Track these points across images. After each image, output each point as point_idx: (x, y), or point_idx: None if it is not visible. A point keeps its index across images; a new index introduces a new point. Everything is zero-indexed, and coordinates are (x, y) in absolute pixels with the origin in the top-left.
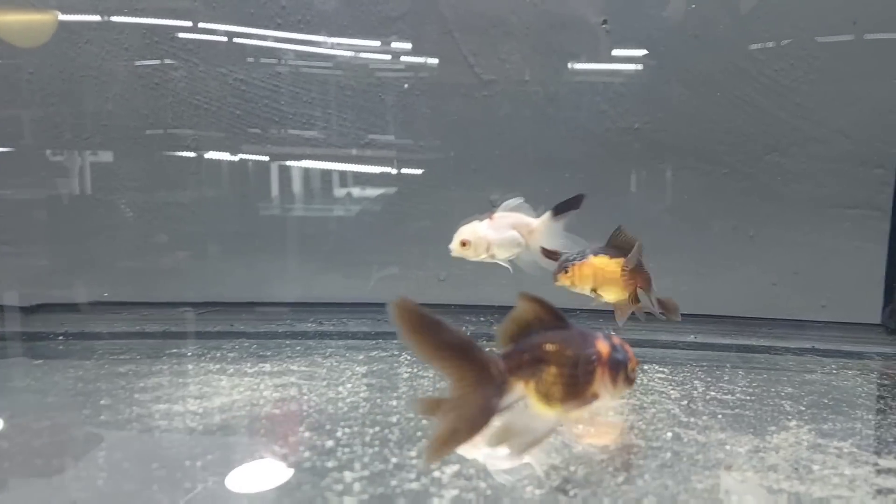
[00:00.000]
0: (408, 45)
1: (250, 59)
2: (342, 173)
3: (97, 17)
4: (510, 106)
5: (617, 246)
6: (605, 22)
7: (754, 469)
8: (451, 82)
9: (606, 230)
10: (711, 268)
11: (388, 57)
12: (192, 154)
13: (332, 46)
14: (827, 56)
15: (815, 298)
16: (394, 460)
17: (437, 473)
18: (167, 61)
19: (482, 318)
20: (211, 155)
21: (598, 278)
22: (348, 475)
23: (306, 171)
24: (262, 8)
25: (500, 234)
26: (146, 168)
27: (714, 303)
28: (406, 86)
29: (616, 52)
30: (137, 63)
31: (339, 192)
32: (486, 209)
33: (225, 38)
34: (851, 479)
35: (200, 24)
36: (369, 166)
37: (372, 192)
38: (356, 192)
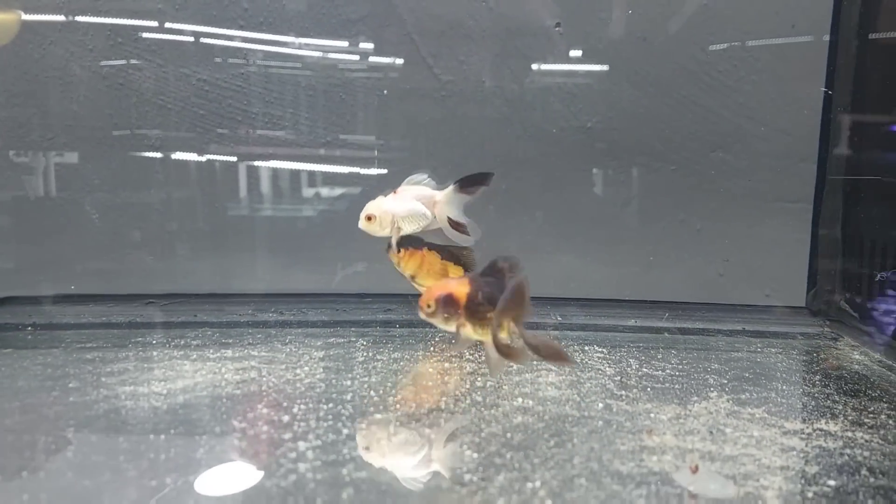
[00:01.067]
0: (369, 46)
1: (217, 59)
2: (309, 173)
3: (61, 17)
4: (469, 106)
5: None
6: (558, 25)
7: (673, 433)
8: (411, 83)
9: (559, 224)
10: (661, 259)
11: (350, 57)
12: (157, 154)
13: (299, 47)
14: (768, 58)
15: (759, 286)
16: (345, 431)
17: (384, 441)
18: (132, 62)
19: None
20: (177, 155)
21: (422, 269)
22: (302, 444)
23: (273, 170)
24: (224, 10)
25: (405, 206)
26: (112, 168)
27: (662, 291)
28: (385, 91)
29: (569, 55)
30: (102, 63)
31: (307, 191)
32: None
33: (191, 39)
34: (759, 440)
35: (166, 25)
36: (334, 166)
37: (337, 190)
38: (323, 191)
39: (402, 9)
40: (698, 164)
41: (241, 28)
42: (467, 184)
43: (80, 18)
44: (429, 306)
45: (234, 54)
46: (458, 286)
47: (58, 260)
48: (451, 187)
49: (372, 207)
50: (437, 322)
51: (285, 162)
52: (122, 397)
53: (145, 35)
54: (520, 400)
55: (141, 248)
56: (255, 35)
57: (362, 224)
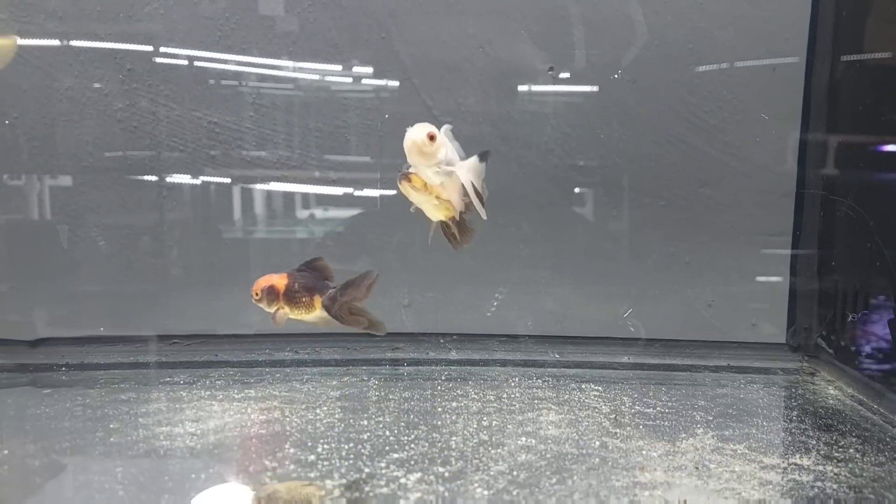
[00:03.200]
0: (371, 89)
1: (211, 82)
2: (306, 201)
3: (56, 42)
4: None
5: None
6: (551, 69)
7: (663, 468)
8: (410, 123)
9: (554, 258)
10: (652, 292)
11: (350, 98)
12: (153, 178)
13: (306, 90)
14: (750, 99)
15: (745, 318)
16: (366, 470)
17: (402, 480)
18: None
19: (442, 342)
20: (175, 180)
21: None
22: (328, 483)
23: (279, 197)
24: (226, 37)
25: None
26: (110, 195)
27: (652, 326)
28: (387, 118)
29: (562, 96)
30: (95, 85)
31: (302, 213)
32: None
33: (185, 62)
34: (740, 475)
35: (162, 49)
36: (335, 189)
37: (336, 217)
38: (318, 213)
39: (403, 54)
40: (686, 199)
41: (242, 51)
42: (484, 157)
43: (74, 42)
44: (257, 294)
45: (231, 77)
46: (279, 279)
47: (84, 299)
48: (475, 157)
49: (432, 128)
50: (264, 306)
51: (288, 185)
52: (160, 437)
53: (142, 59)
54: (523, 439)
55: (159, 287)
56: (252, 59)
57: (420, 141)
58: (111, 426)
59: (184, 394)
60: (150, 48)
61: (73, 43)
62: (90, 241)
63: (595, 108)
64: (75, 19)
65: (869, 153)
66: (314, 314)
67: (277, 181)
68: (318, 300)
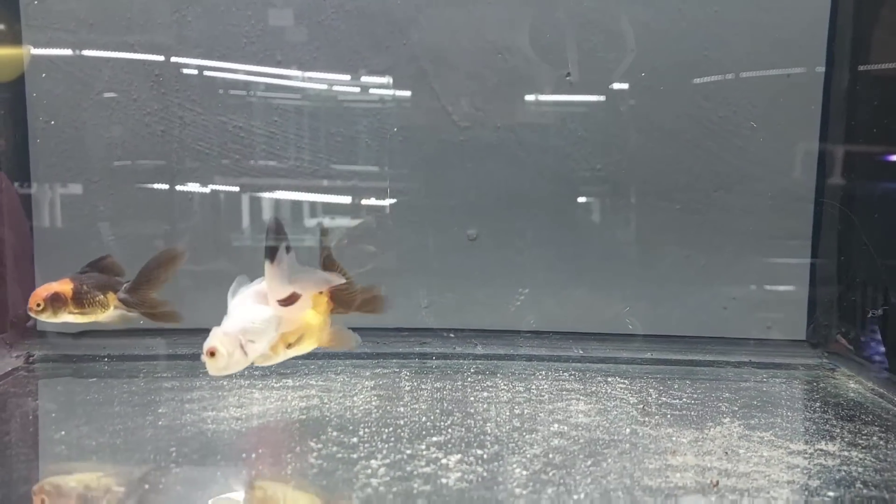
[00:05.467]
0: (390, 94)
1: (220, 91)
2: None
3: (69, 52)
4: (485, 150)
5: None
6: (568, 75)
7: (693, 453)
8: (431, 129)
9: (571, 261)
10: (668, 293)
11: (371, 105)
12: (191, 187)
13: (325, 99)
14: (764, 104)
15: (761, 319)
16: (408, 451)
17: (444, 461)
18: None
19: (454, 338)
20: (202, 185)
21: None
22: (374, 462)
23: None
24: (251, 43)
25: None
26: (140, 196)
27: (670, 325)
28: (395, 129)
29: (578, 102)
30: (106, 95)
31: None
32: (463, 243)
33: (212, 69)
34: (768, 459)
35: (189, 56)
36: (346, 197)
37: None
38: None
39: (424, 62)
40: (701, 203)
41: (259, 62)
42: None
43: (87, 52)
44: (38, 305)
45: (242, 87)
46: (61, 285)
47: None
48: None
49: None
50: (47, 316)
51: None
52: (207, 421)
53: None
54: (555, 426)
55: (191, 282)
56: (266, 70)
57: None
58: (159, 411)
59: (224, 383)
60: (178, 55)
61: (104, 51)
62: (123, 240)
63: (611, 114)
64: (106, 27)
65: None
66: (109, 313)
67: (300, 187)
68: (112, 297)
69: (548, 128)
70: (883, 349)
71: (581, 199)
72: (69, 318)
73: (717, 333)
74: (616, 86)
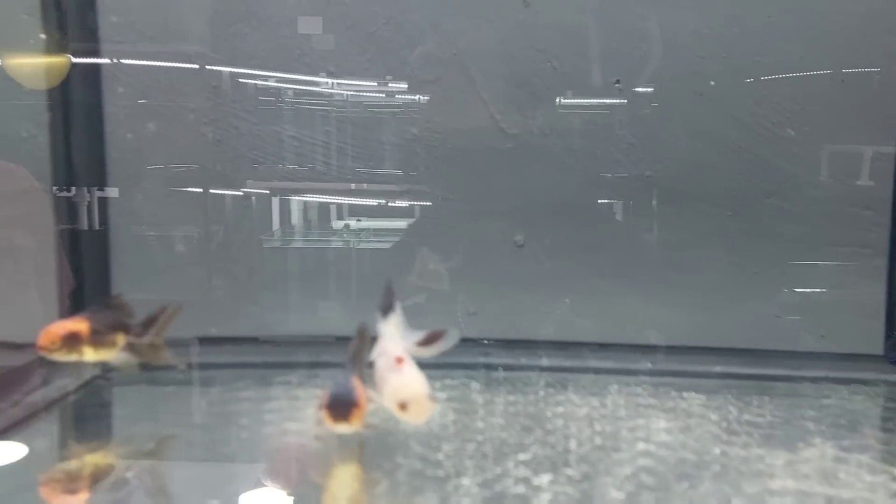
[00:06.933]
0: (439, 104)
1: (289, 98)
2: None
3: (146, 61)
4: (533, 157)
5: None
6: (617, 82)
7: (792, 477)
8: (479, 136)
9: (620, 268)
10: (720, 302)
11: (420, 114)
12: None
13: (378, 107)
14: (818, 110)
15: (814, 330)
16: (497, 470)
17: (535, 481)
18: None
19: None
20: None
21: None
22: (464, 481)
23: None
24: (304, 55)
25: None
26: (197, 204)
27: (723, 335)
28: (443, 137)
29: (628, 108)
30: (168, 105)
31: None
32: (511, 249)
33: (266, 80)
34: (872, 485)
35: (245, 67)
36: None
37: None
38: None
39: (473, 71)
40: (753, 210)
41: (310, 71)
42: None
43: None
44: (53, 344)
45: (295, 95)
46: (77, 324)
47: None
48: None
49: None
50: (61, 356)
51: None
52: (290, 433)
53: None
54: (641, 445)
55: (253, 290)
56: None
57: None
58: (242, 422)
59: (300, 392)
60: (233, 66)
61: (163, 62)
62: (183, 248)
63: (661, 120)
64: (164, 39)
65: None
66: (118, 353)
67: (351, 194)
68: (122, 338)
69: (597, 134)
70: None
71: (630, 206)
72: (80, 357)
73: (772, 345)
74: (666, 92)
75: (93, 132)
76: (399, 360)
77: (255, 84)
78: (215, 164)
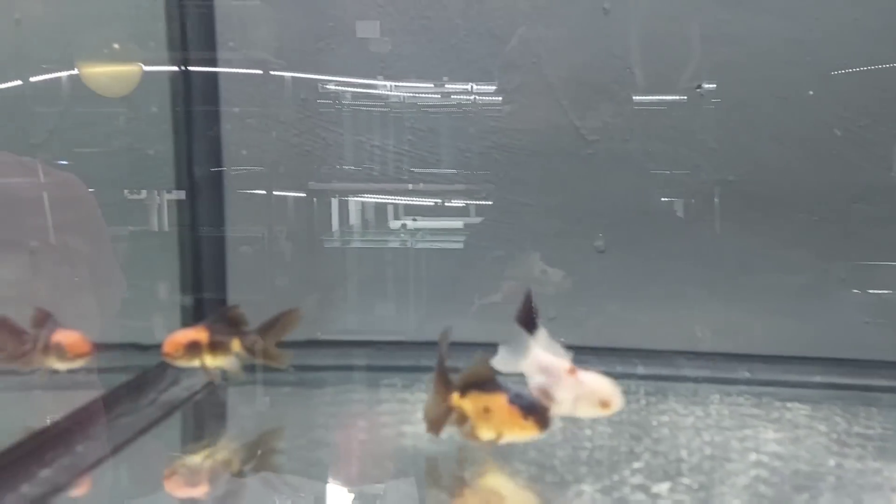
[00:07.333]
0: (520, 111)
1: (373, 108)
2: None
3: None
4: (613, 163)
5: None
6: (699, 87)
7: None
8: (559, 143)
9: (702, 273)
10: (808, 309)
11: (501, 123)
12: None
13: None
14: None
15: None
16: (614, 477)
17: (654, 489)
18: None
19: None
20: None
21: None
22: (585, 487)
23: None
24: (388, 67)
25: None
26: (291, 210)
27: (813, 343)
28: (523, 144)
29: (709, 113)
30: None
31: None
32: (591, 253)
33: (352, 91)
34: None
35: (332, 79)
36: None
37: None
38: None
39: (553, 78)
40: (840, 214)
41: (388, 77)
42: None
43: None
44: (177, 352)
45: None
46: (197, 333)
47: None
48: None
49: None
50: (181, 362)
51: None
52: (407, 436)
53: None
54: (753, 455)
55: (352, 293)
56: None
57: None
58: (359, 423)
59: (407, 395)
60: (321, 78)
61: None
62: (282, 252)
63: (743, 124)
64: (254, 53)
65: None
66: (231, 360)
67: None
68: (237, 345)
69: (677, 139)
70: None
71: (712, 211)
72: (199, 363)
73: (863, 352)
74: (749, 95)
75: (211, 146)
76: (572, 371)
77: (341, 96)
78: (305, 169)
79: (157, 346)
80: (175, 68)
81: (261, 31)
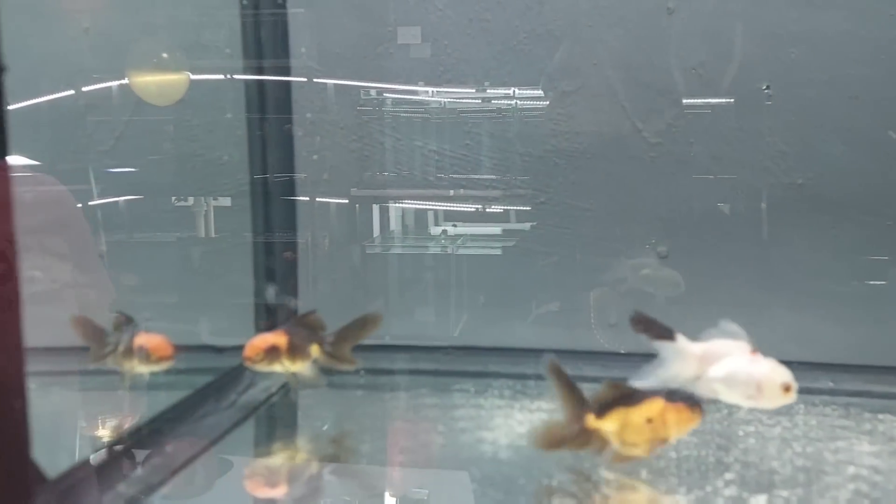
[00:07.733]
0: (582, 116)
1: (430, 113)
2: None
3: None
4: (676, 166)
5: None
6: (767, 87)
7: None
8: (621, 146)
9: (770, 278)
10: (885, 316)
11: (560, 126)
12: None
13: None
14: None
15: None
16: (707, 488)
17: (751, 500)
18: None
19: None
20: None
21: None
22: (679, 497)
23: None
24: (447, 71)
25: None
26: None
27: (884, 350)
28: (584, 148)
29: (778, 114)
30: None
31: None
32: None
33: (409, 97)
34: None
35: (390, 85)
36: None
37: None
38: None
39: (614, 79)
40: None
41: (447, 82)
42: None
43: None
44: (257, 355)
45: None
46: (277, 338)
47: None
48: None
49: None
50: (261, 366)
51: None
52: (486, 441)
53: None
54: (851, 468)
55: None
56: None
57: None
58: (439, 428)
59: (482, 401)
60: (380, 84)
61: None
62: (349, 257)
63: (813, 126)
64: (319, 59)
65: None
66: (308, 365)
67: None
68: (316, 349)
69: (744, 141)
70: None
71: (781, 215)
72: (278, 368)
73: None
74: (818, 96)
75: (284, 152)
76: (754, 352)
77: (398, 101)
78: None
79: (233, 349)
80: (247, 77)
81: (328, 38)
